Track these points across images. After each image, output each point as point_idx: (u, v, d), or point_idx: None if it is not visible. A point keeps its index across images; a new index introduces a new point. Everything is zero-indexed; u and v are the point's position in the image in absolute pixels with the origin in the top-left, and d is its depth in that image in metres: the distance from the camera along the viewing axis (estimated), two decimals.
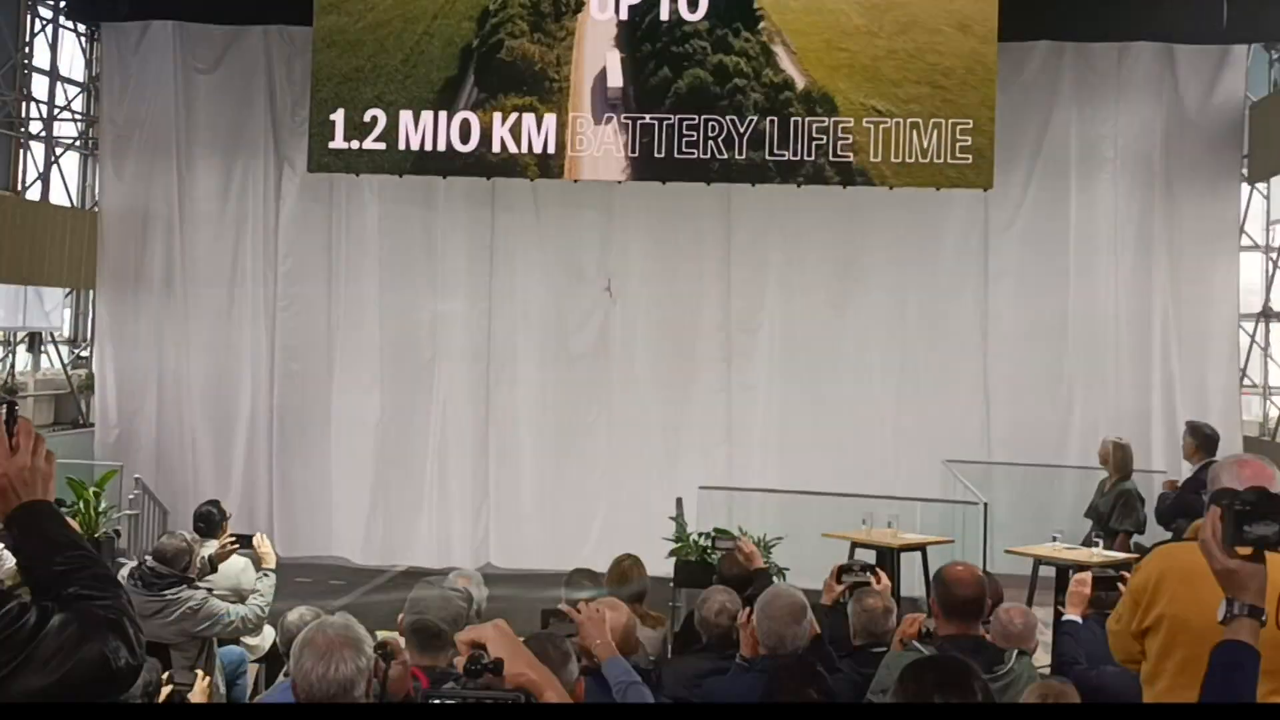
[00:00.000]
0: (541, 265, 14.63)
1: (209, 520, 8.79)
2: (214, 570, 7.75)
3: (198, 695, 5.51)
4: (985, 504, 11.63)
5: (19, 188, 15.25)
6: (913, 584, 11.20)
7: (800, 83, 13.26)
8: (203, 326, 14.99)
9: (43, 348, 16.43)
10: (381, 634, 4.39)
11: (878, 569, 6.99)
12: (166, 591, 7.09)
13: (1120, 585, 5.76)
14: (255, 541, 7.76)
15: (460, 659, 2.85)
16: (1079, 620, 6.01)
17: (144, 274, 15.11)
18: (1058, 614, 7.33)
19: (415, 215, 14.72)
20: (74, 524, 9.53)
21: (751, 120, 13.50)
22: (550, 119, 13.70)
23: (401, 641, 4.57)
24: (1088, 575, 6.19)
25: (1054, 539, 10.53)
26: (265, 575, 7.59)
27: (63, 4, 15.69)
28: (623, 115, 13.61)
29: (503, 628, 2.96)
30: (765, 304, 14.43)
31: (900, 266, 14.32)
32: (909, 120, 13.38)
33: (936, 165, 13.39)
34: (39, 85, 15.77)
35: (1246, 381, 14.65)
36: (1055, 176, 14.20)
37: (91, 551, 2.52)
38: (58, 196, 15.82)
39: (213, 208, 15.00)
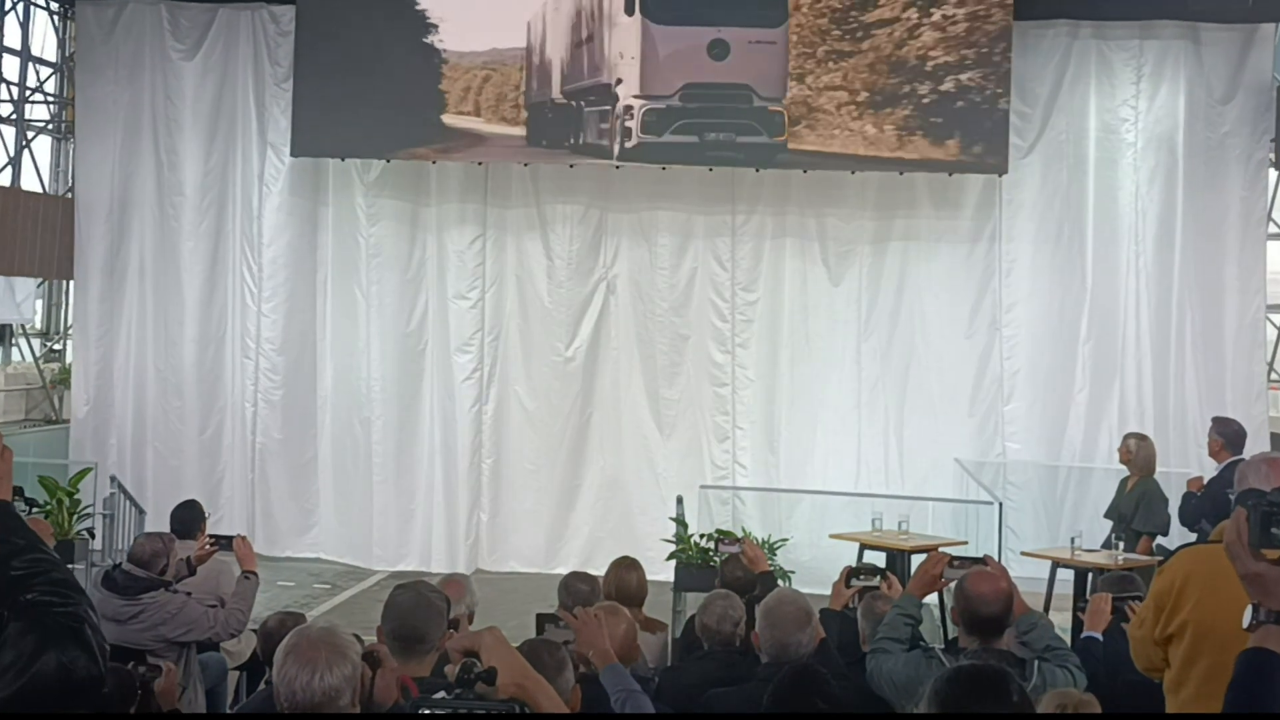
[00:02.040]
0: (537, 255, 14.61)
1: (187, 521, 8.76)
2: (192, 573, 7.73)
3: (165, 689, 5.51)
4: (1000, 504, 11.62)
5: None
6: None
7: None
8: (183, 318, 14.95)
9: (13, 341, 16.42)
10: (368, 640, 4.37)
11: (888, 572, 7.00)
12: (142, 595, 7.07)
13: (1132, 605, 5.77)
14: (236, 543, 7.73)
15: (452, 667, 2.85)
16: (1099, 638, 6.02)
17: (121, 263, 15.07)
18: (1077, 619, 7.34)
19: (405, 203, 14.69)
20: (46, 524, 9.54)
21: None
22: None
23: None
24: (1108, 595, 6.22)
25: (1073, 541, 10.52)
26: (246, 578, 7.58)
27: None
28: (622, 100, 13.63)
29: (497, 635, 2.97)
30: (770, 295, 14.41)
31: (911, 254, 14.30)
32: (921, 103, 13.41)
33: (949, 149, 13.41)
34: (9, 66, 15.74)
35: (1274, 375, 14.65)
36: (1073, 161, 14.17)
37: (51, 555, 2.47)
38: (29, 182, 15.80)
39: (194, 194, 14.96)
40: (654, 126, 13.76)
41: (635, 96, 13.76)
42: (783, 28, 13.64)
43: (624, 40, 13.87)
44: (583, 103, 14.01)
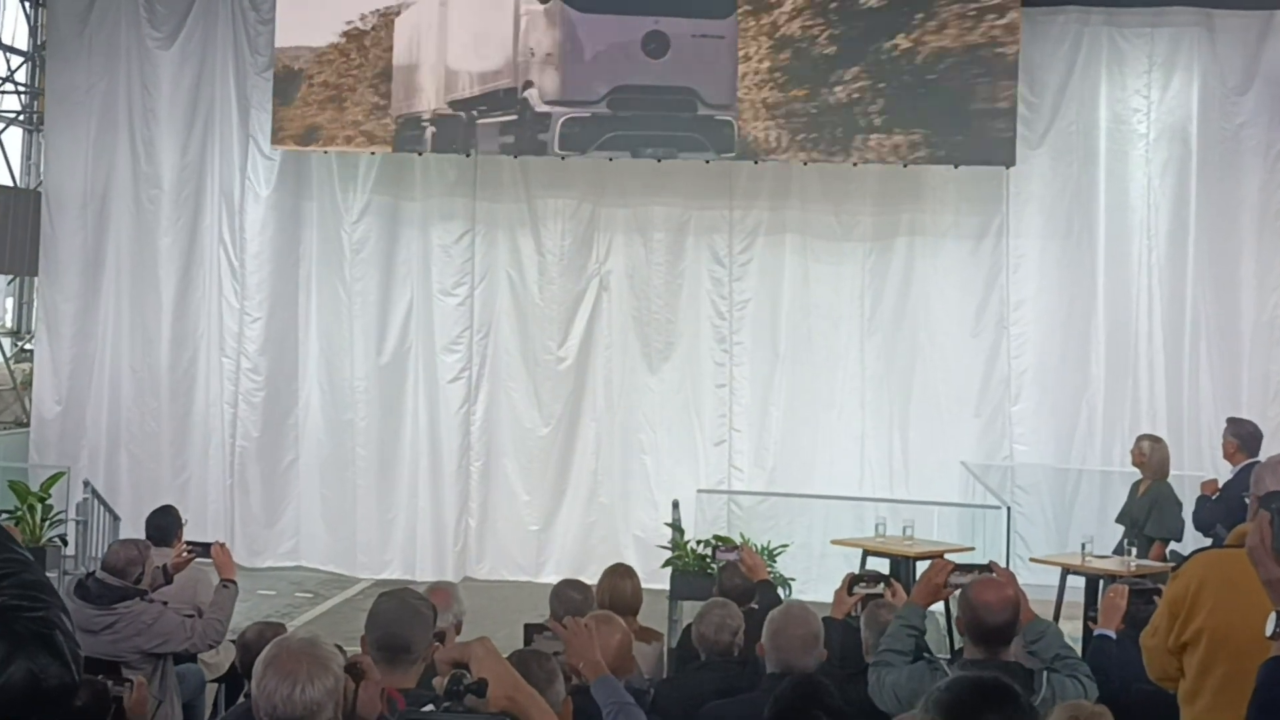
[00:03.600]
0: (528, 251, 14.56)
1: (164, 527, 8.74)
2: (169, 581, 7.70)
3: (135, 704, 5.49)
4: (1008, 508, 11.62)
5: None
6: None
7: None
8: (159, 316, 14.90)
9: None
10: (351, 651, 4.35)
11: (892, 580, 6.99)
12: (117, 605, 7.04)
13: (1157, 599, 5.77)
14: (214, 550, 7.72)
15: (440, 679, 2.83)
16: (1112, 635, 6.00)
17: (92, 259, 15.01)
18: (1088, 629, 7.33)
19: (390, 198, 14.64)
20: (16, 531, 9.51)
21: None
22: (533, 93, 13.67)
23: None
24: (1124, 588, 6.19)
25: (1083, 546, 10.52)
26: (225, 586, 7.56)
27: None
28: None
29: (488, 646, 2.95)
30: (769, 292, 14.38)
31: (916, 250, 14.27)
32: (925, 91, 13.37)
33: (954, 141, 13.37)
34: None
35: None
36: (1083, 153, 14.15)
37: (22, 555, 2.43)
38: None
39: (171, 188, 14.90)
40: (576, 140, 12.64)
41: (551, 103, 12.75)
42: (732, 18, 12.59)
43: (537, 34, 12.54)
44: (475, 113, 13.12)
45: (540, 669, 3.99)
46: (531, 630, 4.73)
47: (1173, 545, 10.44)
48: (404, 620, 4.45)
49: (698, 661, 6.08)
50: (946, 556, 10.91)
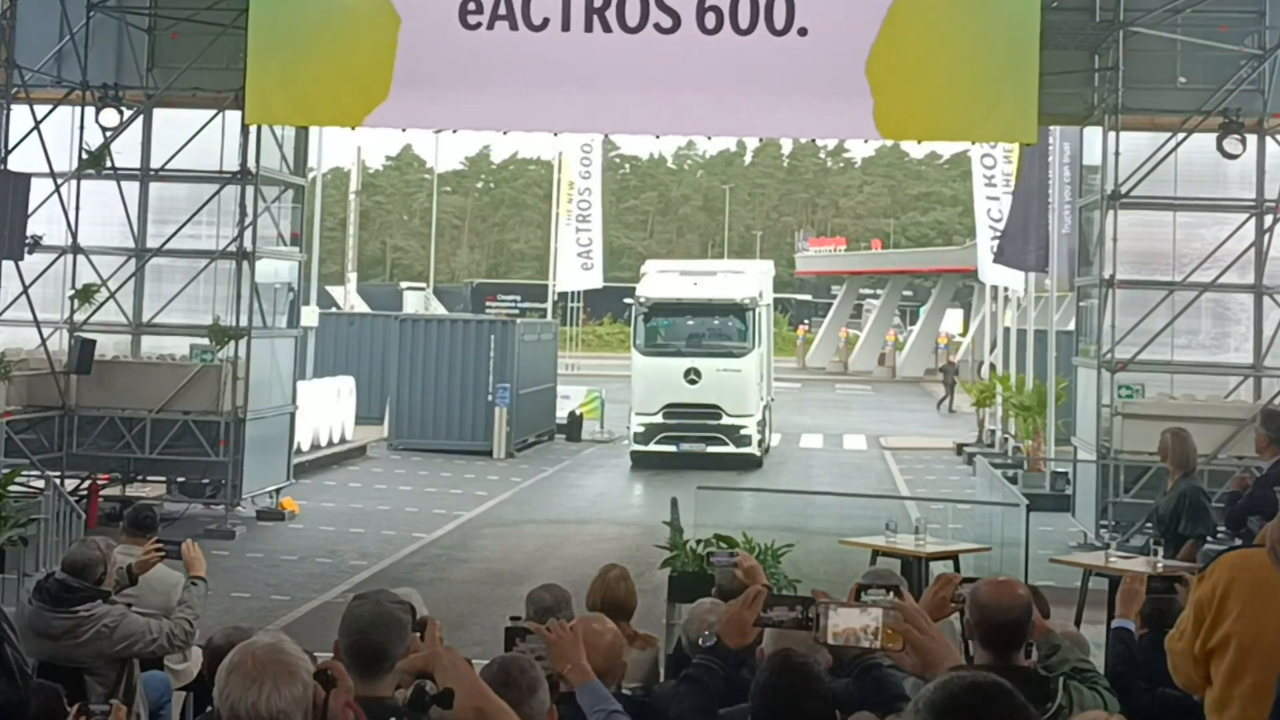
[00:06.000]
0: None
1: (146, 523, 8.70)
2: (133, 582, 7.66)
3: None
4: (1027, 505, 11.59)
5: None
6: None
7: None
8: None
9: None
10: (322, 657, 4.28)
11: (902, 588, 6.93)
12: (79, 608, 6.99)
13: (1179, 586, 5.74)
14: (184, 547, 7.67)
15: (404, 689, 2.80)
16: (1131, 627, 5.96)
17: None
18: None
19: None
20: None
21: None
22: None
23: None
24: (1142, 574, 6.18)
25: (1107, 546, 10.48)
26: (194, 584, 7.51)
27: None
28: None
29: (455, 654, 2.91)
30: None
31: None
32: (941, 63, 13.28)
33: (969, 117, 13.25)
34: None
35: None
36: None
37: None
38: None
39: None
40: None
41: None
42: None
43: None
44: None
45: (523, 676, 3.93)
46: (513, 634, 4.66)
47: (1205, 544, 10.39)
48: (379, 626, 4.37)
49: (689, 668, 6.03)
50: (960, 558, 10.93)
